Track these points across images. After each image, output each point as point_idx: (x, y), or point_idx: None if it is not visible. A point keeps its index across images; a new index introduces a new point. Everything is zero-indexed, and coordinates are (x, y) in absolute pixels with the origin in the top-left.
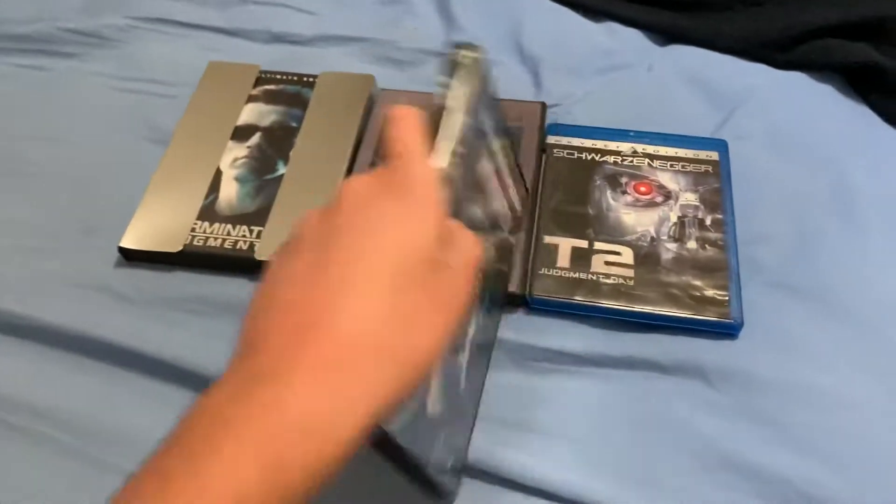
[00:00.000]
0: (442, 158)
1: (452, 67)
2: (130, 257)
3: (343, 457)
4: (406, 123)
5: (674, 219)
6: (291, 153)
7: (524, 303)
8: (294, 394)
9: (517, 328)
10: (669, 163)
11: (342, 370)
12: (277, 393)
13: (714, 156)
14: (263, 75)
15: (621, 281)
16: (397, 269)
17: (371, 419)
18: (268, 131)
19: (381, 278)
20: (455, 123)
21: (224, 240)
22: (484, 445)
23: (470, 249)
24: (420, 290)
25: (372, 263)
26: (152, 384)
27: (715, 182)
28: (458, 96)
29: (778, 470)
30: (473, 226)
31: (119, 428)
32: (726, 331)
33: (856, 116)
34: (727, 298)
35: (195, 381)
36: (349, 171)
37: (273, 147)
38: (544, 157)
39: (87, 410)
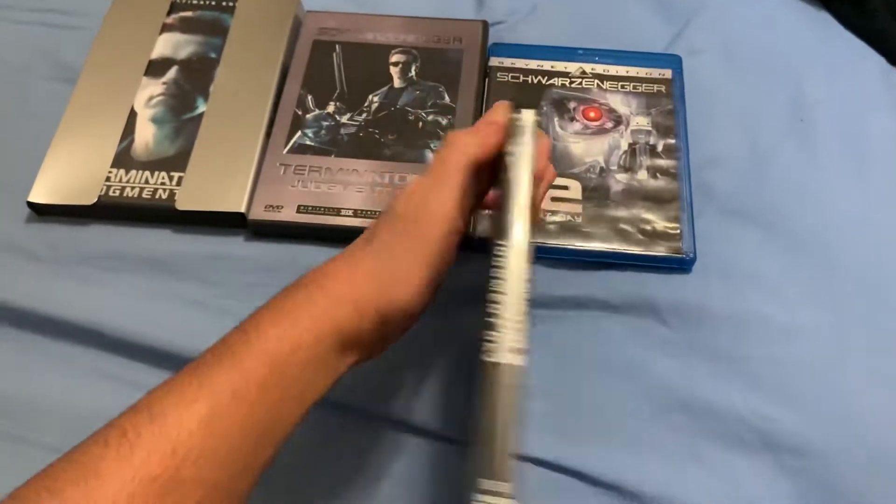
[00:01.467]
0: (519, 230)
1: (515, 131)
2: (41, 212)
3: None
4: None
5: (624, 146)
6: (212, 88)
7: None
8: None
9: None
10: (620, 83)
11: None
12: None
13: (667, 73)
14: (178, 1)
15: (569, 218)
16: None
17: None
18: (185, 64)
19: None
20: (523, 187)
21: (142, 189)
22: None
23: None
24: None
25: None
26: (66, 349)
27: (668, 103)
28: (524, 159)
29: (731, 407)
30: None
31: (34, 400)
32: (679, 266)
33: (815, 24)
34: (679, 232)
35: (112, 344)
36: (275, 106)
37: (191, 82)
38: (486, 81)
39: None
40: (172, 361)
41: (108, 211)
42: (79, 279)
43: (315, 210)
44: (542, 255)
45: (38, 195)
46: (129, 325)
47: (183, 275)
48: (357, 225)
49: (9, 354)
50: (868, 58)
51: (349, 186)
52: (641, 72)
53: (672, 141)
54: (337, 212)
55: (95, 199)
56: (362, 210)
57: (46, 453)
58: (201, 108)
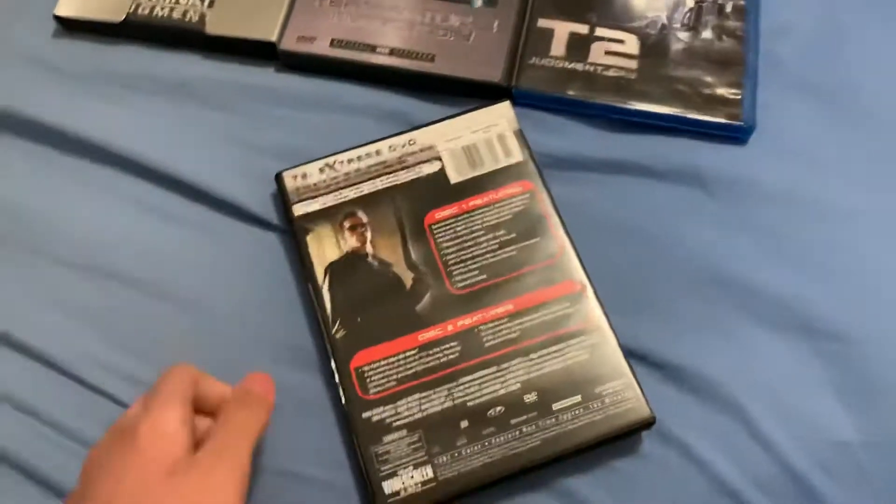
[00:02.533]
0: None
1: None
2: (68, 27)
3: None
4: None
5: (690, 3)
6: None
7: (508, 95)
8: None
9: None
10: None
11: None
12: None
13: None
14: None
15: (622, 74)
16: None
17: None
18: None
19: None
20: None
21: (172, 9)
22: None
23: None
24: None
25: None
26: (84, 165)
27: None
28: None
29: (770, 286)
30: None
31: (47, 212)
32: (735, 135)
33: None
34: (740, 98)
35: (132, 166)
36: None
37: None
38: None
39: (13, 195)
40: (191, 192)
41: (137, 30)
42: (102, 98)
43: (350, 45)
44: (589, 112)
45: (65, 8)
46: (150, 149)
47: (210, 102)
48: (391, 64)
49: (26, 166)
50: None
51: (388, 23)
52: None
53: (742, 2)
54: (372, 49)
55: (123, 17)
56: (399, 49)
57: (55, 266)
58: None
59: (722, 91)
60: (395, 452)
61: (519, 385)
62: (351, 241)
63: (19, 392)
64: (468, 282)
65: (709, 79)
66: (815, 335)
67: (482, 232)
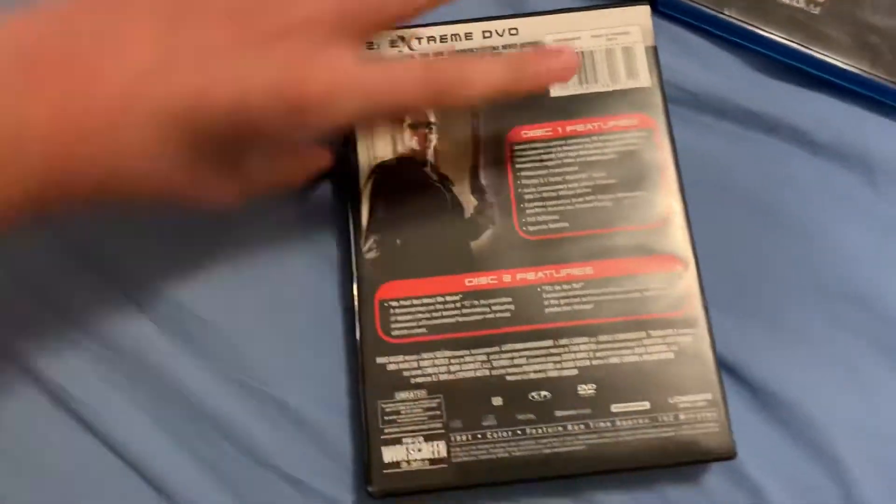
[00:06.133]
0: None
1: None
2: None
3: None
4: None
5: None
6: None
7: (650, 2)
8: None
9: None
10: None
11: None
12: None
13: None
14: None
15: (803, 6)
16: None
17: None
18: None
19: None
20: None
21: None
22: None
23: None
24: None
25: None
26: None
27: None
28: None
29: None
30: None
31: None
32: None
33: None
34: None
35: None
36: None
37: None
38: None
39: None
40: None
41: None
42: None
43: None
44: (746, 45)
45: None
46: None
47: None
48: None
49: None
50: None
51: None
52: None
53: None
54: None
55: None
56: None
57: None
58: None
59: None
60: (406, 414)
61: (576, 371)
62: (409, 142)
63: None
64: (542, 227)
65: None
66: None
67: (575, 168)
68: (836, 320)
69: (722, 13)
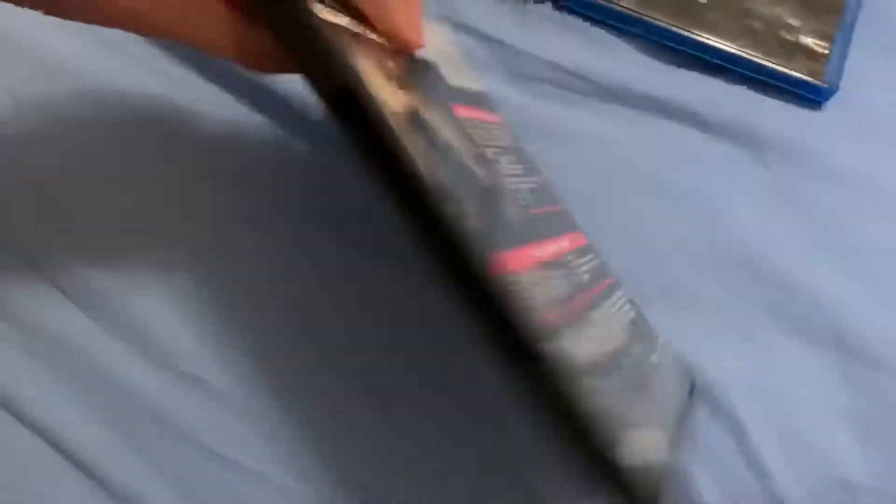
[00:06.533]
0: None
1: None
2: None
3: None
4: None
5: None
6: None
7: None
8: None
9: (532, 28)
10: None
11: None
12: None
13: None
14: None
15: None
16: None
17: None
18: None
19: None
20: None
21: None
22: None
23: None
24: None
25: None
26: None
27: None
28: None
29: (809, 283)
30: None
31: None
32: (810, 95)
33: None
34: (827, 52)
35: None
36: None
37: None
38: None
39: None
40: None
41: None
42: None
43: None
44: (640, 34)
45: None
46: None
47: None
48: None
49: None
50: None
51: None
52: None
53: None
54: None
55: None
56: None
57: None
58: None
59: (807, 40)
60: None
61: None
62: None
63: None
64: None
65: (794, 21)
66: (848, 355)
67: None
68: (730, 288)
69: (618, 4)
